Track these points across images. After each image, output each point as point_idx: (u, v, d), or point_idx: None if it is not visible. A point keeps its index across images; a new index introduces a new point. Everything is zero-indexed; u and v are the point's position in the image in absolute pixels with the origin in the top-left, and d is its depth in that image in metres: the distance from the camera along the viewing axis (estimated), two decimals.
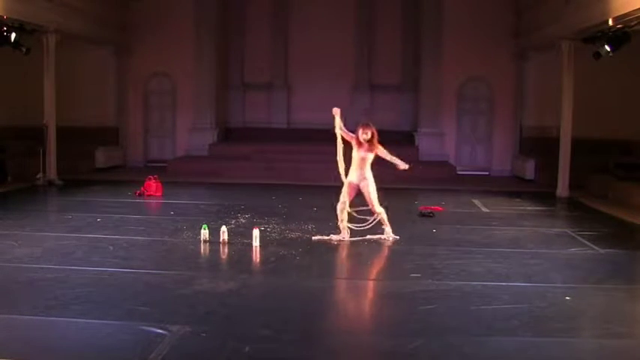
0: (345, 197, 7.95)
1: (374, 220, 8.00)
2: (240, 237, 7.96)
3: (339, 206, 7.97)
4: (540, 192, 13.00)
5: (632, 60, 12.88)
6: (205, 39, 16.57)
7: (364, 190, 7.92)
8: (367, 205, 8.02)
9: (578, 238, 8.46)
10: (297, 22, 17.39)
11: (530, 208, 11.17)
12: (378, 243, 7.94)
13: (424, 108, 16.44)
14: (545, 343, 4.67)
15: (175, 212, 10.01)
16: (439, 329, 4.91)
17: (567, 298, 5.74)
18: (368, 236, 8.03)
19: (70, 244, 7.50)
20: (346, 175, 8.02)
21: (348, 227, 8.02)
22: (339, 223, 8.02)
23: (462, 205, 11.23)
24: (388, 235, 8.08)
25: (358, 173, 7.90)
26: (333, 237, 8.09)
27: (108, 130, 16.72)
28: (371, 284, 6.09)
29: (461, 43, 16.00)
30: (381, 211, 7.99)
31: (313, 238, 8.11)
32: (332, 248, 7.99)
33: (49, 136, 13.19)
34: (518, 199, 12.08)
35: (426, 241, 8.16)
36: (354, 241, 7.94)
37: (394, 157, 8.12)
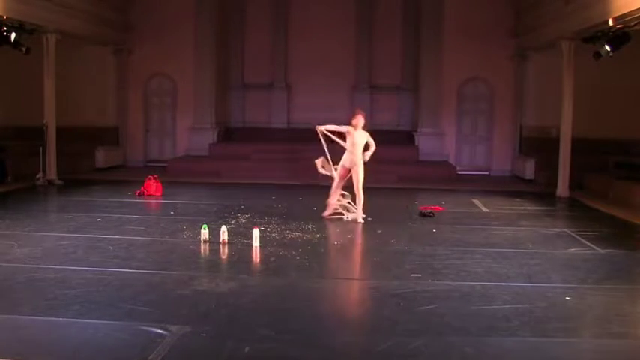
0: (337, 179, 9.29)
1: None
2: (240, 237, 7.97)
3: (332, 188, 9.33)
4: (540, 192, 13.00)
5: (632, 60, 12.88)
6: (205, 39, 16.57)
7: (354, 174, 9.12)
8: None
9: (578, 238, 8.46)
10: (297, 22, 17.40)
11: (530, 208, 11.17)
12: (378, 243, 7.94)
13: (424, 108, 16.45)
14: (545, 343, 4.67)
15: (175, 212, 10.02)
16: (439, 329, 4.91)
17: (567, 298, 5.74)
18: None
19: (70, 244, 7.50)
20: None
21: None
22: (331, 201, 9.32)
23: (462, 205, 11.23)
24: (357, 217, 9.20)
25: (350, 158, 9.11)
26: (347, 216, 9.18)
27: (108, 130, 16.73)
28: (371, 284, 6.10)
29: (461, 44, 16.01)
30: (362, 197, 9.16)
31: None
32: (332, 248, 8.00)
33: (49, 136, 13.20)
34: (518, 199, 12.08)
35: (426, 241, 8.16)
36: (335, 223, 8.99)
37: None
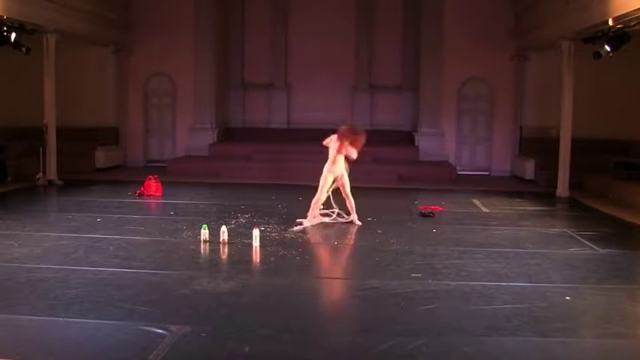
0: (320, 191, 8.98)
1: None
2: (240, 237, 7.97)
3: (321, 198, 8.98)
4: (540, 192, 13.00)
5: (632, 60, 12.88)
6: (205, 39, 16.57)
7: (340, 183, 9.02)
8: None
9: (578, 238, 8.46)
10: (297, 22, 17.40)
11: (530, 208, 11.17)
12: (378, 243, 7.95)
13: (424, 108, 16.45)
14: (545, 343, 4.67)
15: (175, 212, 10.02)
16: (439, 329, 4.91)
17: (567, 298, 5.74)
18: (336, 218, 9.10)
19: (70, 244, 7.50)
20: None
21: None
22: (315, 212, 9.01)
23: (462, 205, 11.23)
24: (354, 219, 9.12)
25: (333, 169, 8.95)
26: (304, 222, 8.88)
27: (108, 130, 16.73)
28: (371, 284, 6.10)
29: (461, 44, 16.01)
30: (352, 200, 9.08)
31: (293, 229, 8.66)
32: (332, 248, 8.01)
33: (49, 136, 13.20)
34: (518, 199, 12.08)
35: (426, 241, 8.16)
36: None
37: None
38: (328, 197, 9.06)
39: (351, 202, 9.11)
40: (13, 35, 11.80)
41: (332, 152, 8.94)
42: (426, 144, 16.22)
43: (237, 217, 9.40)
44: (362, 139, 9.00)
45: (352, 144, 8.88)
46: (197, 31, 16.61)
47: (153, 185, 11.68)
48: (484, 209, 10.93)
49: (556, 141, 12.93)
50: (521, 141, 16.25)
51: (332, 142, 8.98)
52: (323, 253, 7.97)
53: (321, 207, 9.10)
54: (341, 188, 9.07)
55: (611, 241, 8.28)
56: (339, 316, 5.45)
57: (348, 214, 9.18)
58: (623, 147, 14.10)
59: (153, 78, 17.12)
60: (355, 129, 9.10)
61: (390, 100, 17.42)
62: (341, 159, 8.96)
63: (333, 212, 9.13)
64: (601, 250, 7.73)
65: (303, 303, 5.64)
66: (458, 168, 15.71)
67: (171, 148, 17.21)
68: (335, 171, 8.95)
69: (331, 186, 9.03)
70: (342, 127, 8.96)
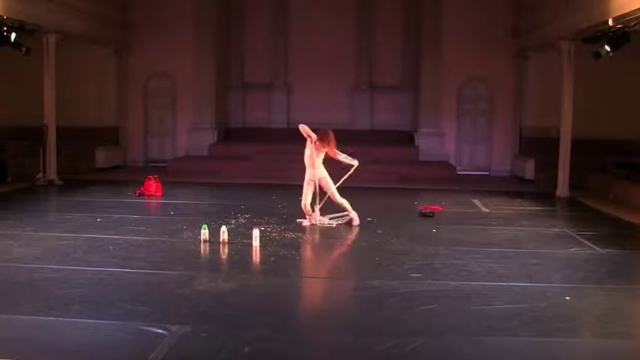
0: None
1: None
2: (240, 237, 7.96)
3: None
4: (540, 192, 13.00)
5: (632, 60, 12.88)
6: (205, 39, 16.57)
7: (324, 187, 8.95)
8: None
9: (578, 238, 8.46)
10: (297, 22, 17.39)
11: (530, 208, 11.17)
12: (378, 243, 7.95)
13: (424, 108, 16.45)
14: (545, 343, 4.67)
15: (175, 212, 10.02)
16: (439, 329, 4.91)
17: (567, 298, 5.74)
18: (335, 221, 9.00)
19: (70, 244, 7.50)
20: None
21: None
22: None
23: (462, 205, 11.23)
24: (355, 219, 9.00)
25: (313, 173, 8.97)
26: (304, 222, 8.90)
27: (108, 130, 16.73)
28: (371, 284, 6.10)
29: (461, 43, 16.01)
30: (342, 201, 8.98)
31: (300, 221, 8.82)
32: (332, 248, 8.01)
33: (49, 136, 13.20)
34: (518, 199, 12.08)
35: (426, 241, 8.16)
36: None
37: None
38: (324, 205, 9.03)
39: (345, 206, 9.04)
40: (13, 35, 11.79)
41: (308, 155, 8.95)
42: (426, 144, 16.21)
43: (237, 217, 9.40)
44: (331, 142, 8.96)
45: (329, 147, 8.92)
46: (197, 31, 16.61)
47: (153, 185, 11.68)
48: (484, 209, 10.93)
49: (556, 141, 12.92)
50: (521, 141, 16.25)
51: (307, 146, 8.94)
52: (323, 253, 7.97)
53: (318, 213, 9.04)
54: (331, 197, 8.97)
55: (611, 241, 8.28)
56: (339, 316, 5.45)
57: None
58: (623, 147, 14.10)
59: (153, 78, 17.12)
60: (324, 136, 8.97)
61: (390, 100, 17.42)
62: (320, 162, 8.94)
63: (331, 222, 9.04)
64: (601, 250, 7.73)
65: (303, 303, 5.65)
66: (458, 168, 15.70)
67: (171, 148, 17.19)
68: (315, 176, 8.89)
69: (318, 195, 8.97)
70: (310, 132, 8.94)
